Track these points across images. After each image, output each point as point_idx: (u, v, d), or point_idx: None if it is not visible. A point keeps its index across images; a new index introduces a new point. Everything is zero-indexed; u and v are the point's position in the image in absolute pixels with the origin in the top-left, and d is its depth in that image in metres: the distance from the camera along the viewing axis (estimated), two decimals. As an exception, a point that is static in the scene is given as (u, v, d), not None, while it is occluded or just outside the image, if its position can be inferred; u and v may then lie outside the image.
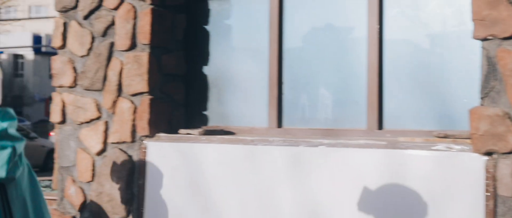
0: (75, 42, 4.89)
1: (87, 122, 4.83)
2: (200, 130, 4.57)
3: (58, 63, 4.97)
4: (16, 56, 46.96)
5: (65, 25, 4.97)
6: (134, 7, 4.65)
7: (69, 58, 4.92)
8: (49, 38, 45.18)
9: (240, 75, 4.73)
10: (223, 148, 4.33)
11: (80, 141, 4.86)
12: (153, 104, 4.60)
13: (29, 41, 43.23)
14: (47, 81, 48.24)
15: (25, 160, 2.97)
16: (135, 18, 4.65)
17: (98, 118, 4.79)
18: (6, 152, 2.77)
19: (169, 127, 4.72)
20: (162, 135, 4.61)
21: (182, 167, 4.47)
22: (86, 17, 4.86)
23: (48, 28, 49.39)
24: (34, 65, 46.43)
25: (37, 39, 44.38)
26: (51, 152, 18.17)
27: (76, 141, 4.88)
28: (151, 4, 4.60)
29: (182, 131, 4.64)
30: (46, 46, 45.37)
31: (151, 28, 4.59)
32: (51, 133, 21.49)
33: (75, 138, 4.89)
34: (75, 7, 4.91)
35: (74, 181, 4.89)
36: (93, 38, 4.83)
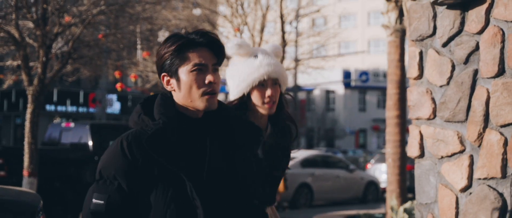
0: (433, 71, 4.63)
1: (449, 156, 4.51)
2: None
3: (415, 94, 4.75)
4: (328, 92, 49.04)
5: (421, 54, 4.74)
6: (501, 29, 4.24)
7: (427, 88, 4.67)
8: (358, 72, 46.42)
9: None
10: None
11: (441, 176, 4.55)
12: (526, 136, 4.12)
13: (339, 77, 44.85)
14: (357, 115, 49.52)
15: None
16: (502, 41, 4.23)
17: (461, 151, 4.44)
18: None
19: (545, 161, 4.18)
20: (539, 170, 4.09)
21: None
22: (445, 45, 4.57)
23: (357, 63, 50.83)
24: (344, 100, 47.99)
25: (346, 74, 45.83)
26: (369, 184, 18.27)
27: (437, 176, 4.59)
28: (521, 24, 4.15)
29: None
30: (355, 80, 46.68)
31: (523, 52, 4.13)
32: (368, 165, 21.72)
33: (435, 173, 4.59)
34: (433, 34, 4.65)
35: (434, 219, 4.59)
36: (453, 66, 4.52)
